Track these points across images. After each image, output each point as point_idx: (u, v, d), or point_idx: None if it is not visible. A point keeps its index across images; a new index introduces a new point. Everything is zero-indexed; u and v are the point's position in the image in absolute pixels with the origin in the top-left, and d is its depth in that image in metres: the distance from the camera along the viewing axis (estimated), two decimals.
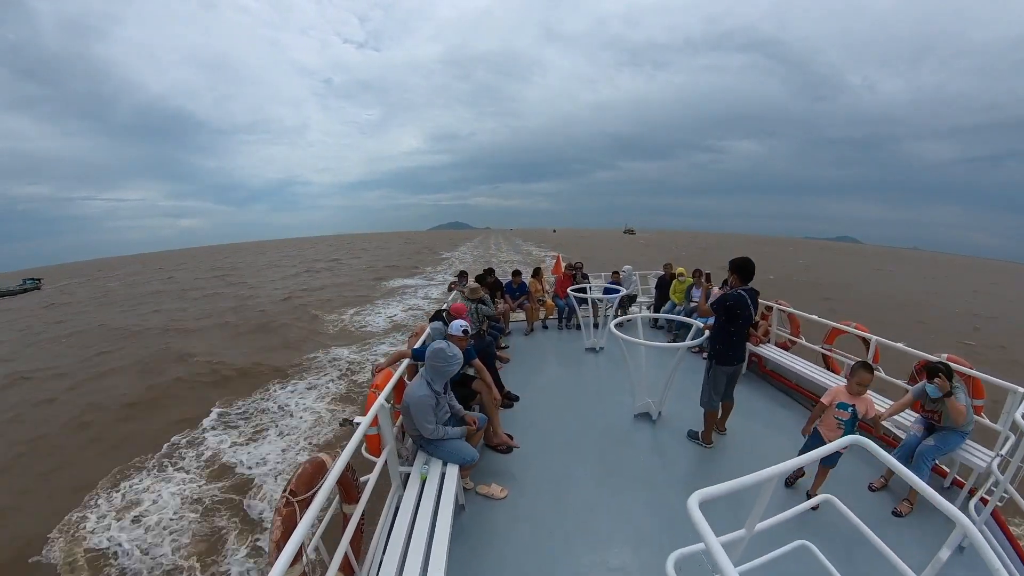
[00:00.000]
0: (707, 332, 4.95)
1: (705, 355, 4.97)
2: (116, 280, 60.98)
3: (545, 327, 9.92)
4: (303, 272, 51.31)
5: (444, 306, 7.33)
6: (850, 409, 3.77)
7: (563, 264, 10.59)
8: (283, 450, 9.77)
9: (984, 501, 3.77)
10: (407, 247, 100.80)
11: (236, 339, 20.83)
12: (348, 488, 3.15)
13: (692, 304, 8.61)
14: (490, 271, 9.57)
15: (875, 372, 3.72)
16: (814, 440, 3.98)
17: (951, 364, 4.24)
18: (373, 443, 3.68)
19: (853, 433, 3.65)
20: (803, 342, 7.16)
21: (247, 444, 10.16)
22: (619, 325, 5.57)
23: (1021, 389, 4.00)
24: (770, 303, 7.34)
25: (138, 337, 22.19)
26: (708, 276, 7.17)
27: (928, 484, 1.86)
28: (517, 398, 6.14)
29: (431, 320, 6.08)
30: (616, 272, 10.21)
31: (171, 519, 7.73)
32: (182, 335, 22.14)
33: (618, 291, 8.53)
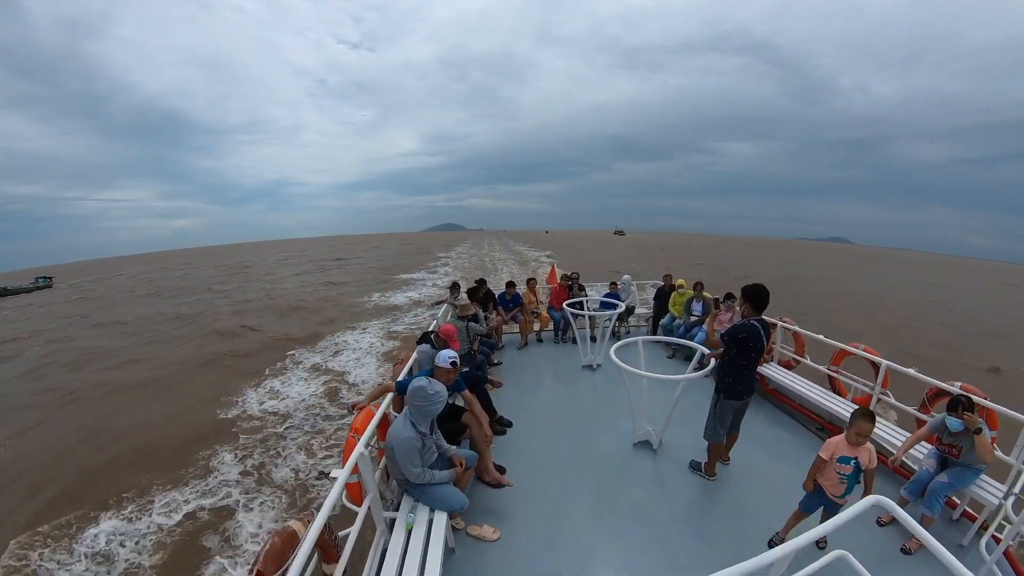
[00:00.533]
0: (712, 361, 4.68)
1: (708, 371, 4.71)
2: (127, 278, 62.73)
3: (540, 340, 9.60)
4: (316, 270, 54.64)
5: (432, 326, 6.97)
6: (852, 462, 3.41)
7: (558, 274, 10.25)
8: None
9: (996, 539, 3.61)
10: (405, 247, 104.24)
11: (289, 317, 26.34)
12: (327, 549, 2.86)
13: (693, 318, 8.33)
14: (482, 282, 9.28)
15: (876, 420, 3.41)
16: (818, 495, 3.64)
17: (972, 396, 3.99)
18: (354, 491, 3.37)
19: (855, 484, 3.39)
20: (808, 362, 6.88)
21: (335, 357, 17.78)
22: (619, 346, 5.26)
23: None
24: (774, 320, 7.06)
25: (198, 319, 27.17)
26: (717, 301, 6.75)
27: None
28: (510, 424, 5.83)
29: (419, 343, 5.73)
30: (614, 283, 9.92)
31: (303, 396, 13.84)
32: (239, 315, 27.56)
33: (615, 305, 8.25)
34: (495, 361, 8.06)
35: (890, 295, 39.80)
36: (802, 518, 3.77)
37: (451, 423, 4.45)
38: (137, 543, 7.67)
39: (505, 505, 4.30)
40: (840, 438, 3.53)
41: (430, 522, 3.45)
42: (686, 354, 8.33)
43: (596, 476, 4.77)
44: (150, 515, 8.34)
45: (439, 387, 3.54)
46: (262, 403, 13.33)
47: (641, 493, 4.48)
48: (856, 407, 5.50)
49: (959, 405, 3.74)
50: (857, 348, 6.17)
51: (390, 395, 4.43)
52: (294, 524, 2.49)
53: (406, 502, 3.63)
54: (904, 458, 4.59)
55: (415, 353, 5.61)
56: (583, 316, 8.25)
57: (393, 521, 3.50)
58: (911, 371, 5.27)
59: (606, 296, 9.51)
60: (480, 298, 8.72)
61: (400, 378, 4.80)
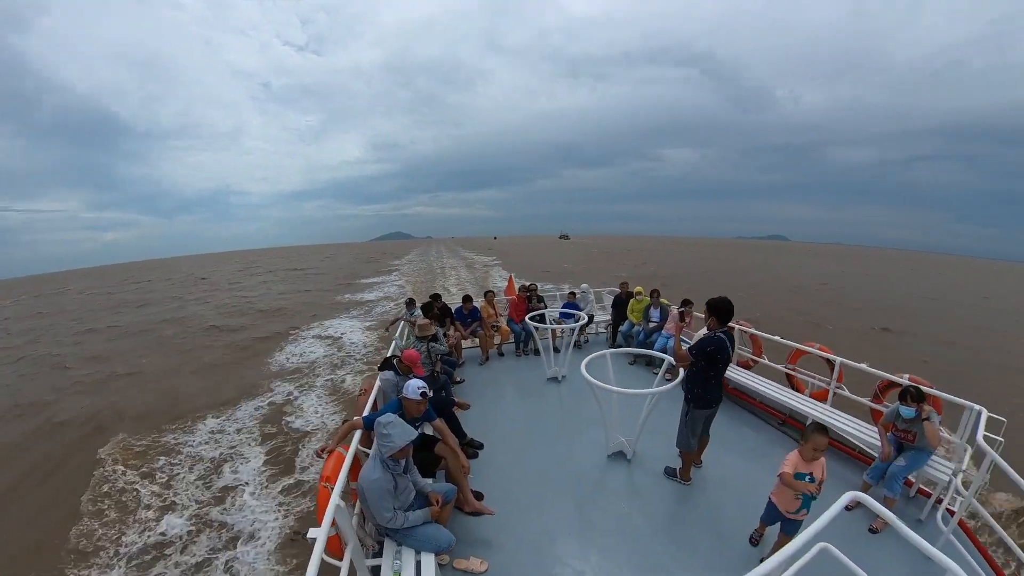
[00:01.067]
0: (680, 372, 4.70)
1: (677, 383, 4.70)
2: (76, 293, 57.18)
3: (501, 354, 9.37)
4: (278, 281, 53.42)
5: (391, 349, 6.67)
6: (807, 478, 3.43)
7: (516, 285, 10.11)
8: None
9: (950, 512, 3.96)
10: (361, 255, 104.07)
11: (276, 316, 27.83)
12: None
13: (651, 324, 8.41)
14: (436, 297, 9.00)
15: (827, 433, 3.47)
16: (771, 512, 3.69)
17: (919, 386, 4.36)
18: (333, 543, 3.08)
19: (811, 502, 3.43)
20: (766, 361, 7.18)
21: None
22: (589, 361, 5.20)
23: (976, 407, 4.30)
24: (731, 324, 7.25)
25: (184, 323, 27.78)
26: (683, 315, 6.93)
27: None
28: (481, 446, 5.62)
29: (380, 369, 5.41)
30: (572, 293, 9.91)
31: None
32: (228, 316, 28.95)
33: (573, 316, 8.22)
34: (457, 379, 7.79)
35: (799, 280, 46.84)
36: (765, 528, 3.89)
37: (424, 455, 4.26)
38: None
39: (488, 533, 4.17)
40: (795, 455, 3.52)
41: (418, 564, 3.29)
42: (647, 359, 8.43)
43: (575, 493, 4.72)
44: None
45: (394, 425, 3.31)
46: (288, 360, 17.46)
47: (623, 507, 4.46)
48: (814, 403, 5.90)
49: (908, 395, 4.11)
50: (812, 347, 6.45)
51: (359, 432, 4.13)
52: None
53: (389, 546, 3.42)
54: (860, 444, 5.09)
55: (378, 382, 5.28)
56: (546, 328, 8.17)
57: (378, 569, 3.31)
58: (863, 366, 5.61)
59: (565, 306, 9.48)
60: (436, 314, 8.45)
61: (366, 412, 4.55)
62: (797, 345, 6.60)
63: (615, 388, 4.58)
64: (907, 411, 4.13)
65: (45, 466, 10.33)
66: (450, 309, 8.97)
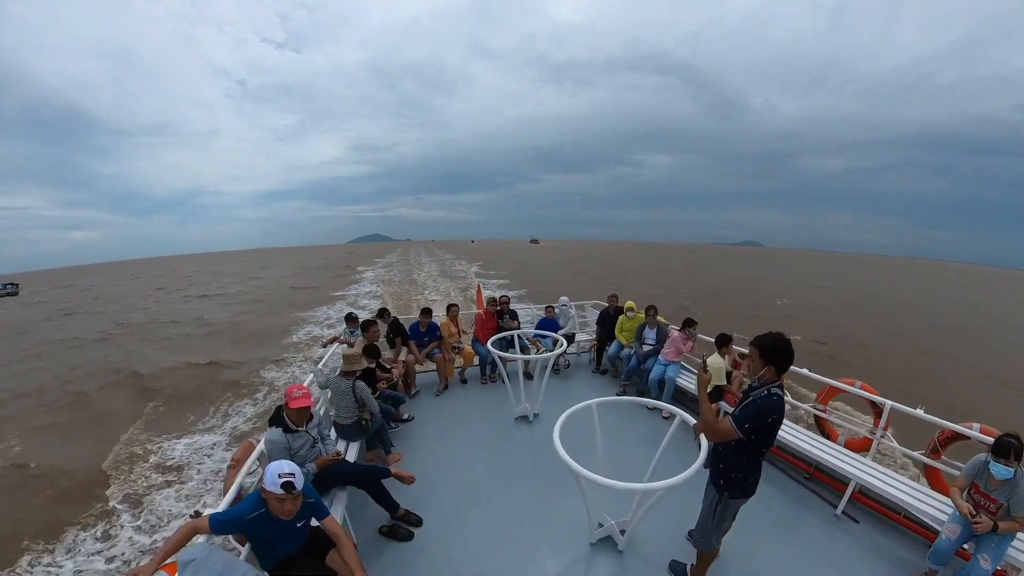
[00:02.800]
0: (703, 443, 3.14)
1: (709, 479, 3.11)
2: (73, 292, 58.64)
3: (464, 381, 7.75)
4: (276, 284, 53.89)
5: (307, 382, 4.96)
6: None
7: (484, 298, 8.37)
8: None
9: None
10: (337, 259, 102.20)
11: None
12: None
13: (646, 347, 6.92)
14: (384, 312, 7.44)
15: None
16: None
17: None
18: None
19: None
20: (789, 399, 5.69)
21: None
22: (565, 421, 3.62)
23: None
24: (745, 350, 5.81)
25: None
26: (729, 354, 5.52)
27: None
28: (419, 522, 4.06)
29: (270, 423, 3.62)
30: (550, 307, 8.38)
31: None
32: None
33: (552, 334, 6.68)
34: (404, 416, 6.17)
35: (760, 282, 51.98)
36: None
37: (312, 570, 2.84)
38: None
39: None
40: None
41: None
42: (640, 388, 6.93)
43: None
44: None
45: (193, 567, 2.07)
46: None
47: None
48: (851, 456, 4.44)
49: (1011, 450, 3.02)
50: (852, 385, 5.08)
51: (202, 540, 2.60)
52: None
53: None
54: (917, 514, 3.78)
55: (260, 445, 3.62)
56: (515, 356, 6.52)
57: None
58: (919, 412, 4.37)
59: (540, 324, 7.97)
60: (386, 332, 6.89)
61: (223, 505, 2.92)
62: (831, 382, 5.26)
63: (606, 480, 2.98)
64: (1001, 470, 3.02)
65: None
66: (403, 326, 7.34)
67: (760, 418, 2.57)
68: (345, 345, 6.99)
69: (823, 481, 4.69)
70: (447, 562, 3.66)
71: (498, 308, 7.79)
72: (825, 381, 5.32)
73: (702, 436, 3.10)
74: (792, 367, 5.16)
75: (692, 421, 3.54)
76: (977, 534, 3.11)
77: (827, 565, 3.57)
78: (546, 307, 8.45)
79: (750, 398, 2.69)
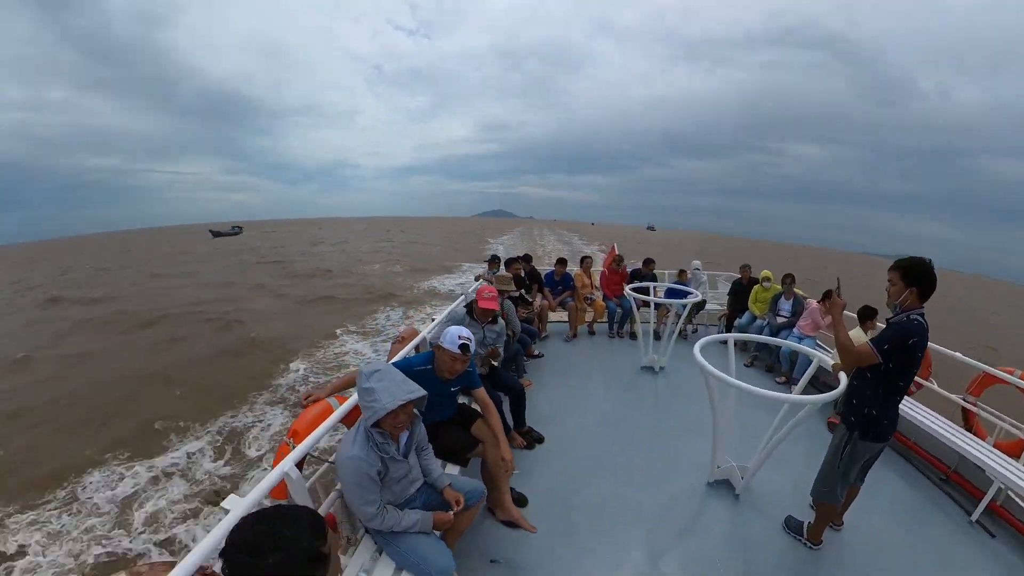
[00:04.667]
0: (842, 379, 3.10)
1: (840, 419, 3.09)
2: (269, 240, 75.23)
3: (592, 333, 8.16)
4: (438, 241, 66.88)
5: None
6: None
7: (616, 256, 8.46)
8: None
9: None
10: (467, 229, 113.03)
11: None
12: None
13: (780, 319, 6.83)
14: (527, 257, 8.00)
15: None
16: None
17: None
18: None
19: None
20: (934, 387, 5.24)
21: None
22: (705, 344, 3.73)
23: None
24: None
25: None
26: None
27: None
28: (541, 439, 4.42)
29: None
30: (683, 271, 8.46)
31: None
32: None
33: (684, 294, 6.84)
34: (535, 352, 6.78)
35: None
36: None
37: (455, 433, 3.21)
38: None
39: (521, 554, 3.09)
40: None
41: None
42: (767, 364, 6.88)
43: (654, 526, 3.45)
44: None
45: (384, 376, 2.22)
46: None
47: (717, 561, 3.12)
48: (1001, 458, 3.84)
49: None
50: (1012, 375, 4.57)
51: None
52: None
53: (366, 545, 2.49)
54: None
55: (424, 332, 4.34)
56: (647, 307, 6.83)
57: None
58: None
59: (672, 286, 8.05)
60: (523, 277, 7.39)
61: (395, 359, 3.53)
62: (987, 368, 4.71)
63: (740, 383, 3.14)
64: None
65: None
66: (539, 274, 7.99)
67: (900, 338, 2.56)
68: (483, 282, 7.79)
69: (960, 485, 4.13)
70: (564, 476, 3.91)
71: (626, 268, 8.10)
72: (979, 367, 4.78)
73: (842, 377, 3.07)
74: (942, 348, 4.85)
75: (829, 363, 3.64)
76: None
77: (950, 573, 3.21)
78: (679, 271, 8.52)
79: (895, 323, 2.68)
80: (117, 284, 28.76)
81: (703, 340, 3.70)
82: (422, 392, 2.25)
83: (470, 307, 4.30)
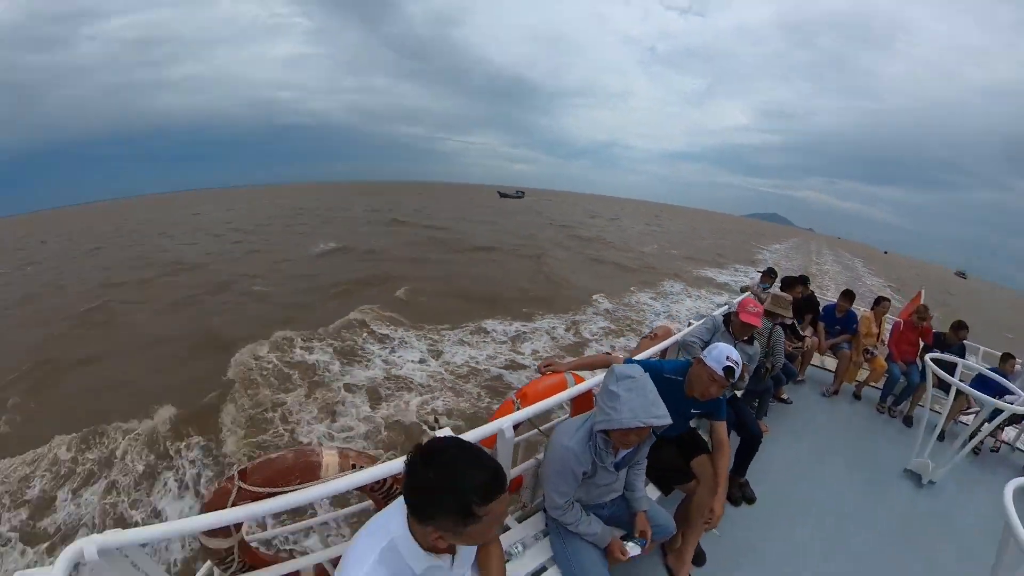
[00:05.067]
0: None
1: None
2: (544, 206, 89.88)
3: (858, 397, 6.42)
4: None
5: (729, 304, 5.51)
6: None
7: (920, 306, 6.50)
8: None
9: None
10: (736, 230, 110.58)
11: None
12: None
13: None
14: (804, 280, 6.82)
15: None
16: None
17: None
18: None
19: None
20: None
21: None
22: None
23: None
24: None
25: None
26: None
27: None
28: (752, 499, 3.85)
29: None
30: (1010, 356, 6.08)
31: None
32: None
33: (1003, 391, 4.80)
34: (783, 396, 5.84)
35: None
36: None
37: (673, 460, 2.95)
38: None
39: None
40: None
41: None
42: None
43: None
44: None
45: (635, 387, 2.05)
46: None
47: None
48: None
49: None
50: None
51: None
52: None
53: (536, 522, 2.57)
54: None
55: (680, 335, 4.07)
56: (943, 389, 5.08)
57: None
58: None
59: (991, 373, 5.50)
60: (797, 301, 6.13)
61: (642, 355, 3.43)
62: None
63: None
64: None
65: None
66: (817, 304, 6.86)
67: None
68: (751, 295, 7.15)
69: None
70: (759, 560, 3.26)
71: (940, 334, 6.29)
72: None
73: None
74: None
75: None
76: None
77: None
78: (1004, 354, 6.22)
79: None
80: (438, 217, 43.74)
81: (1020, 481, 2.35)
82: (666, 420, 2.04)
83: (728, 318, 3.91)
